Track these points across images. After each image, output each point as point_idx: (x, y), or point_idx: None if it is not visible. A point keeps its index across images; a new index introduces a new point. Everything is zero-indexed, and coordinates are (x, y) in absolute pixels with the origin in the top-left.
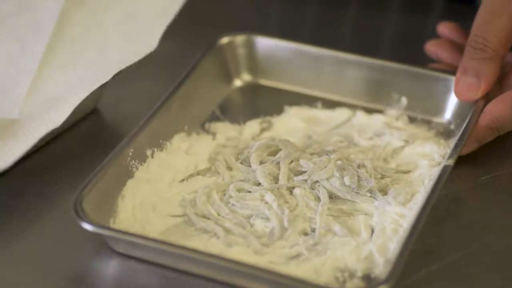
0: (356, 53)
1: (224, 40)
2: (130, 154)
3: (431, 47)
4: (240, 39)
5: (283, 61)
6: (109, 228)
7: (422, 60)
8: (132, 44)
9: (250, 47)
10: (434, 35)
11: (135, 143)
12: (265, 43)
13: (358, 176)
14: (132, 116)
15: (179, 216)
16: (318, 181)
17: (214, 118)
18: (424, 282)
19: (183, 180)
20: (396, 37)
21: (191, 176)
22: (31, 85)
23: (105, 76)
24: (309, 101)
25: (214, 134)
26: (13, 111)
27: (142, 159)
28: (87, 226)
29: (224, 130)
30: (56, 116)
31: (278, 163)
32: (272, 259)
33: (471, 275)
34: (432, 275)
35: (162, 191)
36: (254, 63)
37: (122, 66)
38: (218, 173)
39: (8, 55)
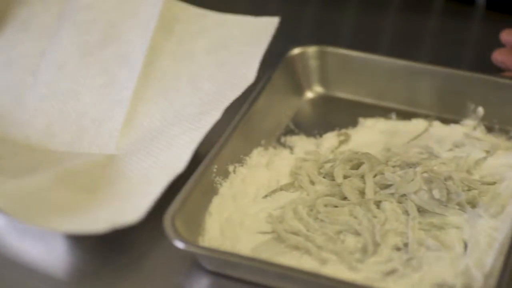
0: (429, 63)
1: (295, 51)
2: (215, 170)
3: (498, 56)
4: (311, 50)
5: (354, 72)
6: (204, 247)
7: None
8: (227, 74)
9: (322, 58)
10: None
11: (218, 159)
12: (336, 54)
13: (447, 189)
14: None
15: (267, 232)
16: (405, 194)
17: (289, 131)
18: None
19: (266, 195)
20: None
21: (274, 191)
22: (125, 119)
23: (214, 113)
24: (383, 112)
25: (291, 148)
26: (110, 146)
27: (225, 175)
28: (180, 245)
29: (301, 143)
30: (177, 163)
31: (362, 176)
32: (368, 275)
33: None
34: None
35: (247, 207)
36: (325, 75)
37: (226, 102)
38: (301, 187)
39: (98, 88)
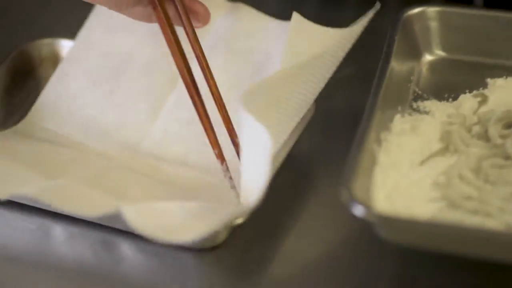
0: None
1: (413, 11)
2: (372, 138)
3: None
4: (430, 10)
5: (473, 31)
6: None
7: None
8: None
9: (441, 18)
10: None
11: (372, 127)
12: (455, 14)
13: None
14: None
15: (438, 200)
16: None
17: (418, 96)
18: None
19: (423, 162)
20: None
21: (430, 157)
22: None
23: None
24: (510, 72)
25: (427, 113)
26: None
27: (379, 143)
28: (358, 211)
29: (437, 107)
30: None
31: None
32: None
33: None
34: None
35: (409, 176)
36: (444, 36)
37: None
38: (457, 152)
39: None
